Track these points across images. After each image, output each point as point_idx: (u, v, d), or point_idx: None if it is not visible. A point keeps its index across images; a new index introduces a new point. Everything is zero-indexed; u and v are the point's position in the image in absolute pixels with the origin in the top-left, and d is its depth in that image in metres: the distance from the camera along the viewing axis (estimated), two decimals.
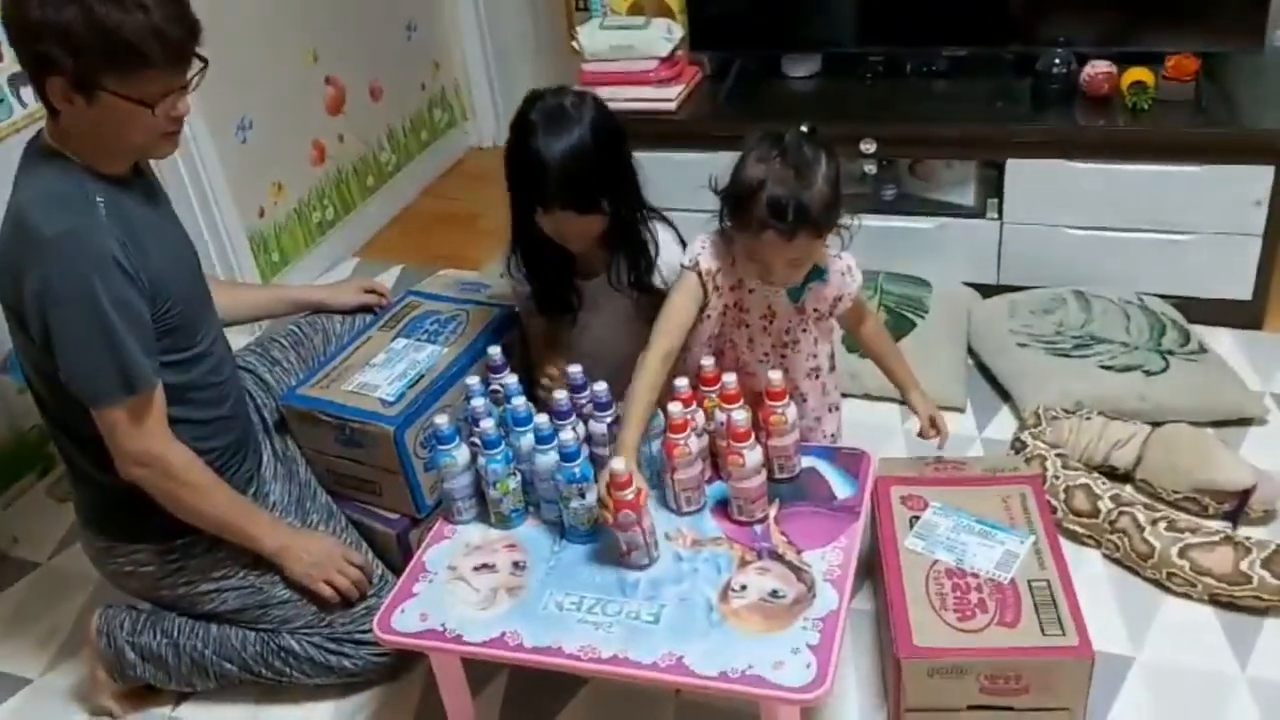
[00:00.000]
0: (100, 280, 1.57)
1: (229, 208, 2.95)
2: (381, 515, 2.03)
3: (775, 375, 1.75)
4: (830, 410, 1.99)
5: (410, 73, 3.73)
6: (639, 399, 1.71)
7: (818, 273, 1.82)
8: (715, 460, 1.81)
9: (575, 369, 1.86)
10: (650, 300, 1.98)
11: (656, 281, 2.00)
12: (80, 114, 1.55)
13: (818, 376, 1.93)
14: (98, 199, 1.60)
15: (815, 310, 1.86)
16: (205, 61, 1.61)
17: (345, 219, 3.47)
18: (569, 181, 1.81)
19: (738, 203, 1.70)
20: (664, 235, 2.04)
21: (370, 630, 1.83)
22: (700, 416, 1.76)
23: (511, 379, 1.88)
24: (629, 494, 1.61)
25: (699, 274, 1.80)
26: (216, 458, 1.82)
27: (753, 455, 1.69)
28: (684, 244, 1.98)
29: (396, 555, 2.02)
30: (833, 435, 2.01)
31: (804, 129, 1.68)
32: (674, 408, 1.70)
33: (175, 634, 1.90)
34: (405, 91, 3.71)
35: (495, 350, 1.92)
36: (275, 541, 1.84)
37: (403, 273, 3.27)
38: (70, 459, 1.84)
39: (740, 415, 1.68)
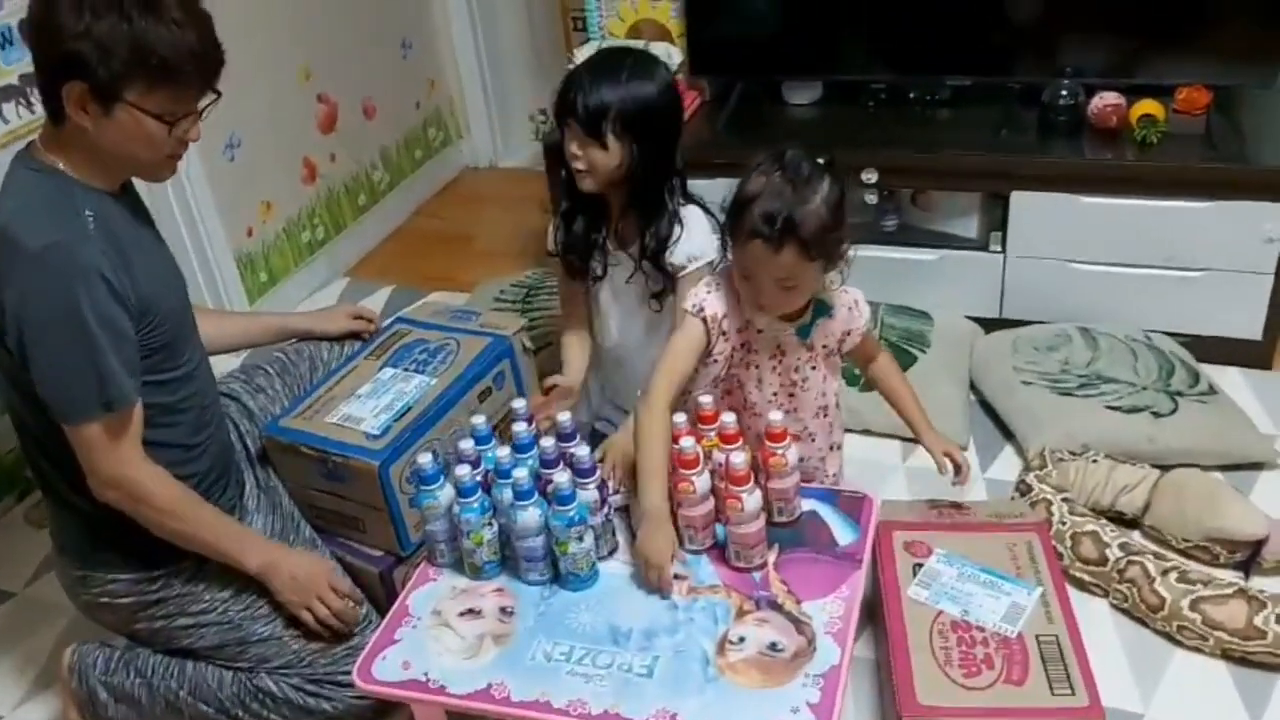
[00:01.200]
0: (85, 293, 1.52)
1: (216, 227, 2.89)
2: (364, 553, 1.96)
3: (775, 416, 1.69)
4: (833, 449, 1.92)
5: (405, 91, 3.67)
6: (653, 454, 1.67)
7: (823, 308, 1.77)
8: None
9: (565, 417, 1.78)
10: (657, 279, 2.00)
11: (676, 259, 1.97)
12: (91, 124, 1.53)
13: (826, 415, 1.87)
14: (87, 212, 1.57)
15: (824, 347, 1.80)
16: (219, 94, 1.60)
17: (336, 238, 3.40)
18: (583, 97, 1.88)
19: (733, 214, 1.67)
20: (695, 217, 2.00)
21: (349, 672, 1.77)
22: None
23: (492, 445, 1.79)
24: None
25: (704, 320, 1.74)
26: (198, 484, 1.76)
27: (751, 499, 1.62)
28: (719, 235, 1.89)
29: (380, 594, 1.95)
30: (835, 475, 1.95)
31: (820, 160, 1.63)
32: (685, 443, 1.64)
33: (149, 674, 1.83)
34: (399, 109, 3.65)
35: (480, 420, 1.80)
36: (261, 558, 1.77)
37: (393, 293, 3.20)
38: (48, 483, 1.77)
39: (739, 458, 1.62)
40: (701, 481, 1.65)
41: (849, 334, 1.80)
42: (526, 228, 3.54)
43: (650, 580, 1.64)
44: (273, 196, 3.12)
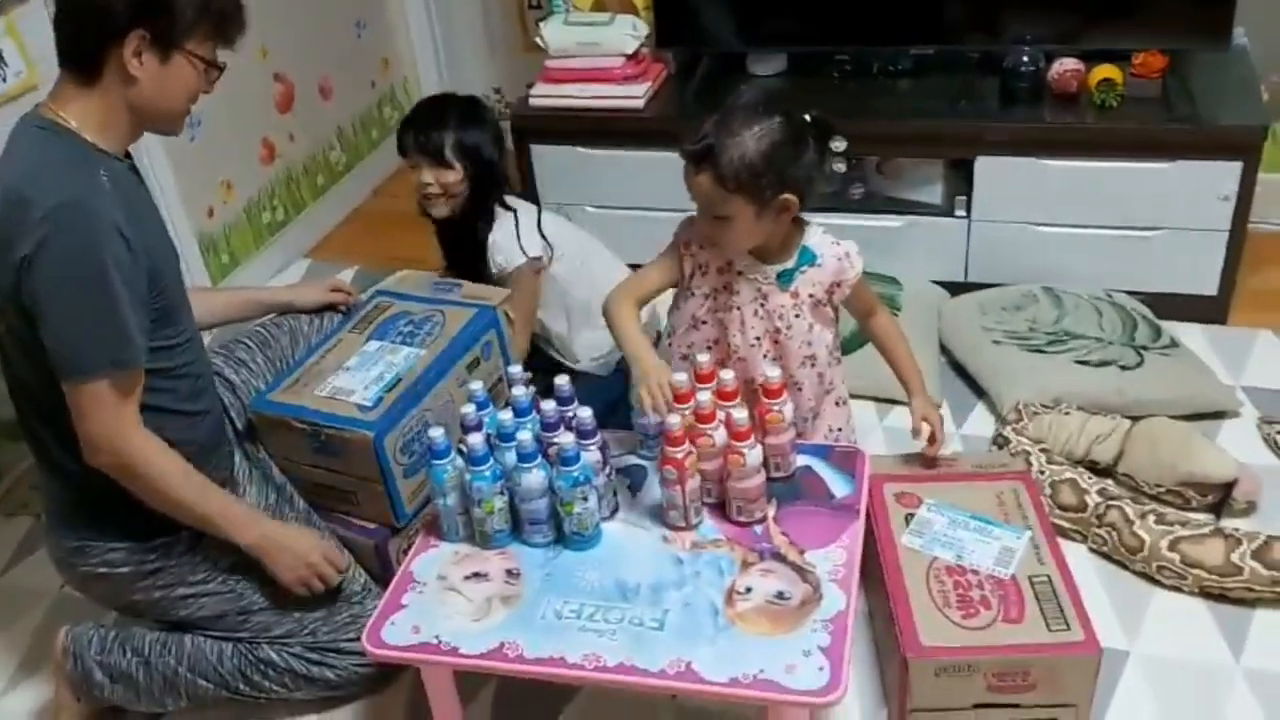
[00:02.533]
0: (107, 247, 1.51)
1: (177, 207, 2.84)
2: (359, 525, 1.95)
3: (774, 372, 1.71)
4: (838, 404, 1.95)
5: (360, 70, 3.63)
6: (629, 329, 1.77)
7: (808, 255, 1.80)
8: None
9: (563, 380, 1.80)
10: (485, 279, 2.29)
11: (492, 262, 2.32)
12: (143, 74, 1.55)
13: (813, 365, 1.89)
14: (101, 173, 1.56)
15: (811, 296, 1.82)
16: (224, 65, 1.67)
17: (296, 219, 3.36)
18: (421, 130, 2.27)
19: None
20: (500, 218, 2.33)
21: (352, 639, 1.77)
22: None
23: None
24: (679, 452, 1.61)
25: (679, 245, 1.81)
26: (195, 453, 1.73)
27: (753, 454, 1.65)
28: (523, 227, 2.31)
29: (375, 566, 1.95)
30: (839, 430, 1.97)
31: (807, 116, 1.66)
32: (704, 396, 1.66)
33: (145, 651, 1.81)
34: (355, 89, 3.61)
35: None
36: (255, 532, 1.75)
37: (357, 274, 3.18)
38: (45, 451, 1.72)
39: (740, 414, 1.64)
40: (719, 436, 1.67)
41: (839, 285, 1.82)
42: None
43: (654, 394, 1.66)
44: (233, 176, 3.07)
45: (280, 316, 2.18)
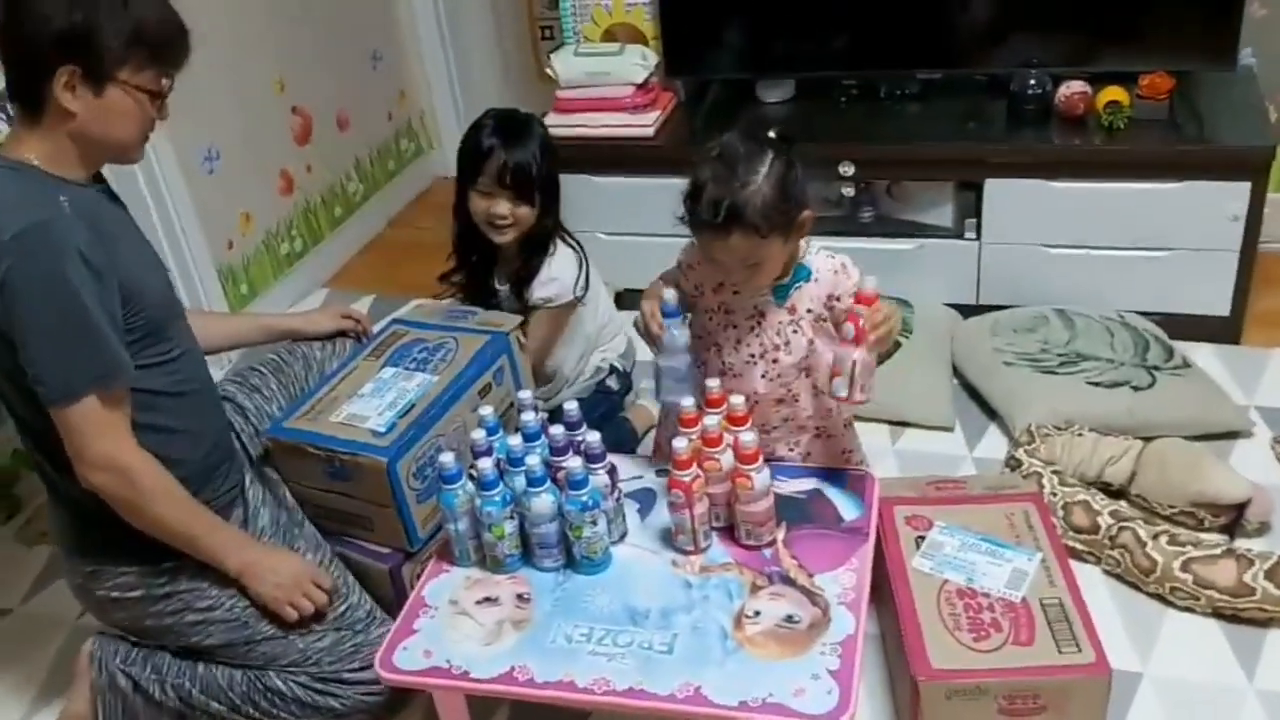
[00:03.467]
0: (72, 269, 1.53)
1: (198, 240, 2.88)
2: (373, 550, 1.96)
3: (747, 437, 1.65)
4: (846, 426, 1.95)
5: (376, 102, 3.69)
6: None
7: (804, 271, 1.80)
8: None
9: (571, 405, 1.82)
10: (525, 312, 2.25)
11: (538, 292, 2.28)
12: (80, 108, 1.56)
13: (808, 376, 1.86)
14: (62, 198, 1.58)
15: (809, 311, 1.81)
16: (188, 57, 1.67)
17: (314, 249, 3.41)
18: (513, 165, 2.18)
19: (687, 206, 1.71)
20: (563, 253, 2.30)
21: (356, 669, 1.79)
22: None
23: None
24: (687, 476, 1.62)
25: (680, 267, 1.87)
26: (190, 471, 1.75)
27: (761, 478, 1.66)
28: (583, 268, 2.32)
29: (389, 591, 1.96)
30: (849, 453, 1.97)
31: (771, 134, 1.67)
32: (711, 420, 1.68)
33: (163, 670, 1.83)
34: (372, 121, 3.66)
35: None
36: (240, 558, 1.76)
37: (374, 303, 3.21)
38: (46, 476, 1.75)
39: (748, 437, 1.65)
40: (725, 460, 1.68)
41: (837, 298, 1.79)
42: None
43: (644, 313, 1.79)
44: (252, 208, 3.12)
45: (294, 344, 2.20)
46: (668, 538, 1.74)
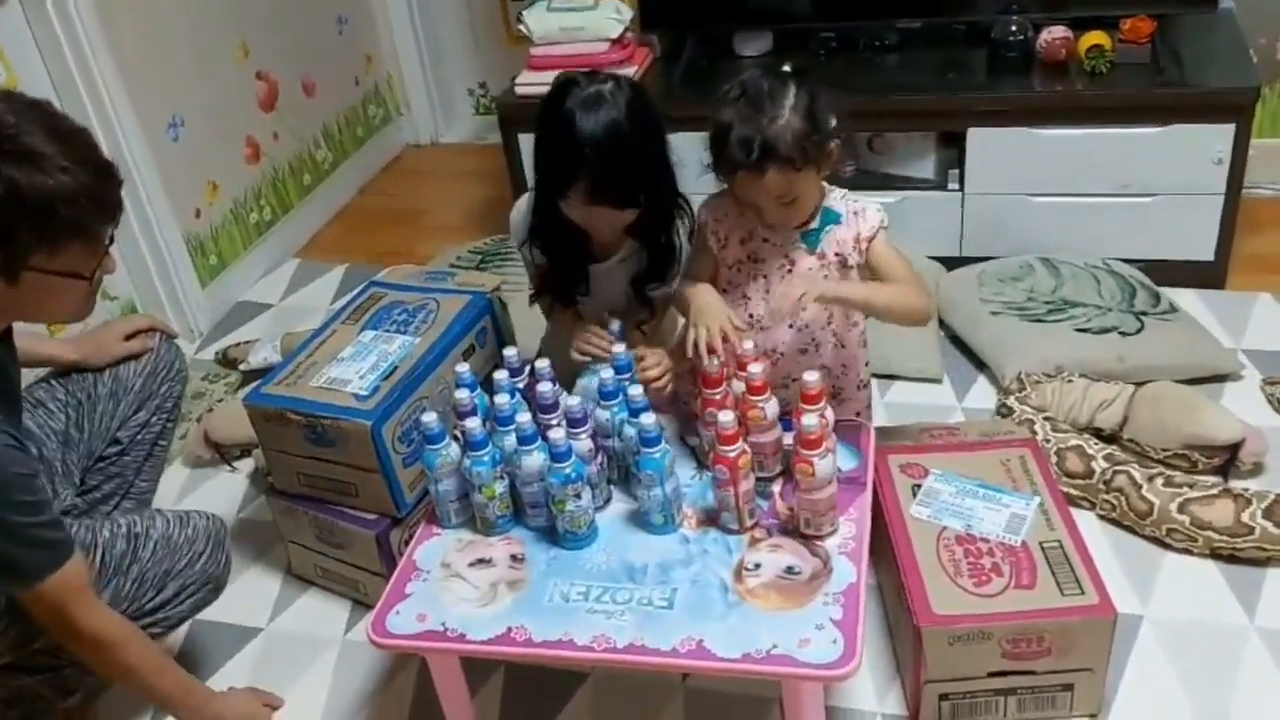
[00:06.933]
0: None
1: (164, 209, 2.81)
2: (359, 517, 1.93)
3: (757, 368, 1.64)
4: (859, 388, 1.90)
5: (343, 67, 3.60)
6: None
7: (831, 215, 1.77)
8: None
9: (542, 363, 1.75)
10: (641, 306, 1.95)
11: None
12: None
13: (830, 324, 1.83)
14: None
15: (838, 255, 1.77)
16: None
17: (284, 219, 3.33)
18: (608, 176, 1.74)
19: (714, 150, 1.68)
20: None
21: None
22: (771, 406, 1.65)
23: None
24: (733, 451, 1.55)
25: (703, 229, 1.82)
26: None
27: (824, 464, 1.54)
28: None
29: (376, 558, 1.92)
30: (859, 414, 1.92)
31: (785, 68, 1.64)
32: (756, 368, 1.63)
33: None
34: (339, 87, 3.58)
35: (511, 352, 1.81)
36: (209, 711, 1.71)
37: (348, 271, 3.16)
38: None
39: (812, 420, 1.52)
40: (770, 408, 1.64)
41: (859, 239, 1.76)
42: (477, 199, 3.51)
43: (700, 336, 1.66)
44: (218, 177, 3.04)
45: (87, 375, 1.93)
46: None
